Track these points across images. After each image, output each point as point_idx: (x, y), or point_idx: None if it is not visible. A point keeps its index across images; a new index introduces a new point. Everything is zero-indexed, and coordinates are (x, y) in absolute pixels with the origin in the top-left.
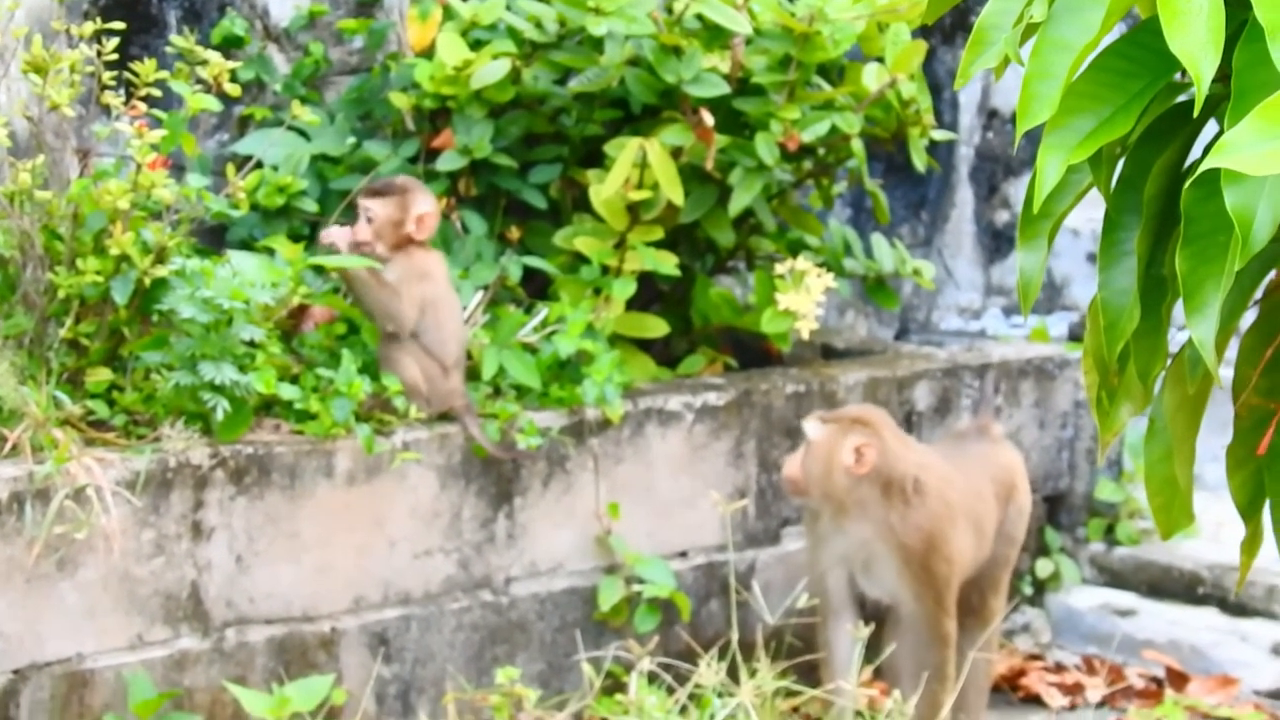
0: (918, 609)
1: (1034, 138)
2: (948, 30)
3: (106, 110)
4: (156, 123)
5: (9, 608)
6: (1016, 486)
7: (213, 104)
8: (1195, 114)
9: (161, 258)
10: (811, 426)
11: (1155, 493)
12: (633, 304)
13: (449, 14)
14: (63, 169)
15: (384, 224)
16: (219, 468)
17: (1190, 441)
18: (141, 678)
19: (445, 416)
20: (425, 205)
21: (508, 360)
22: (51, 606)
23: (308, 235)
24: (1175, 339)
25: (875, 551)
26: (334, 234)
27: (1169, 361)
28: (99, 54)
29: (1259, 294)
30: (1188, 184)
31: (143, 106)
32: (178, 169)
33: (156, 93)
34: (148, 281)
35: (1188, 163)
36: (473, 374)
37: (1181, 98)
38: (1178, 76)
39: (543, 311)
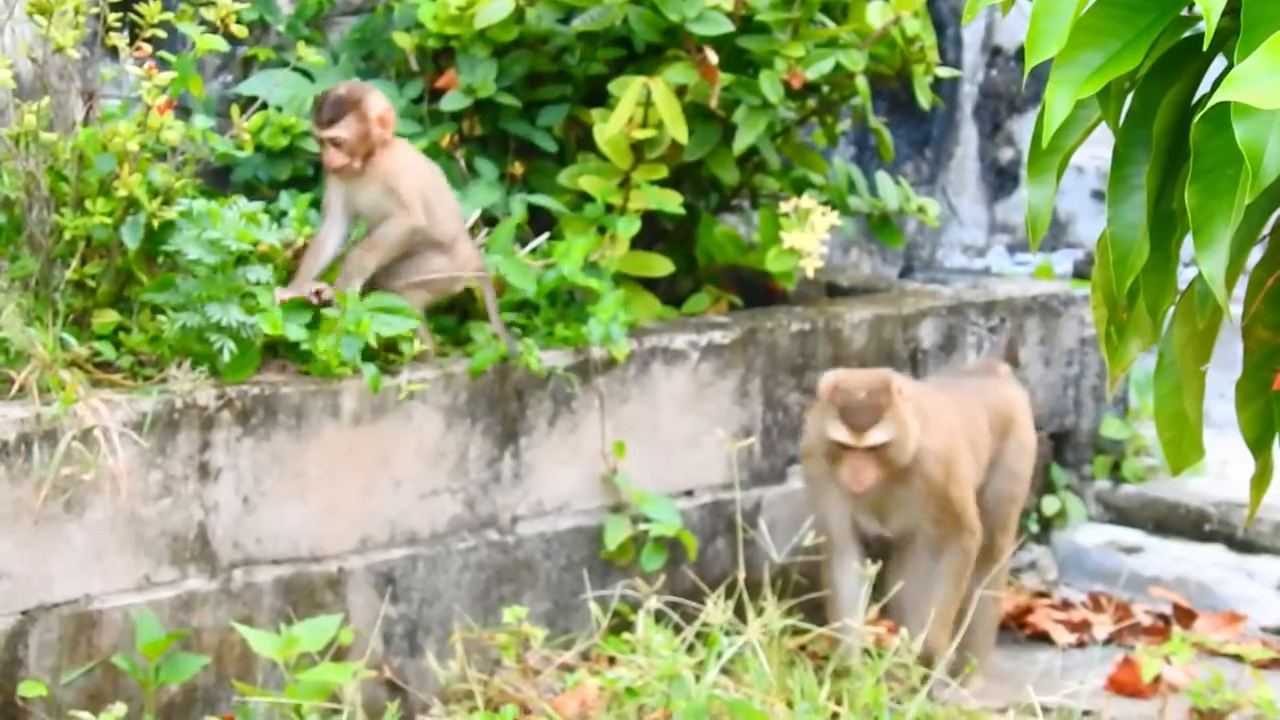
0: (936, 533)
1: (1039, 74)
2: None
3: (111, 52)
4: (162, 64)
5: (16, 549)
6: (1015, 421)
7: (221, 45)
8: (1205, 48)
9: (169, 199)
10: (883, 431)
11: (1165, 428)
12: (637, 242)
13: None
14: (67, 111)
15: (353, 143)
16: (225, 409)
17: (1200, 376)
18: (149, 618)
19: (465, 312)
20: (380, 104)
21: (504, 266)
22: (59, 548)
23: (312, 176)
24: (1184, 274)
25: (889, 487)
26: (283, 295)
27: (1178, 296)
28: None
29: (1268, 228)
30: (1197, 118)
31: (148, 48)
32: (182, 110)
33: (161, 34)
34: (155, 223)
35: (1197, 97)
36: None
37: (1190, 32)
38: (1186, 10)
39: (543, 236)
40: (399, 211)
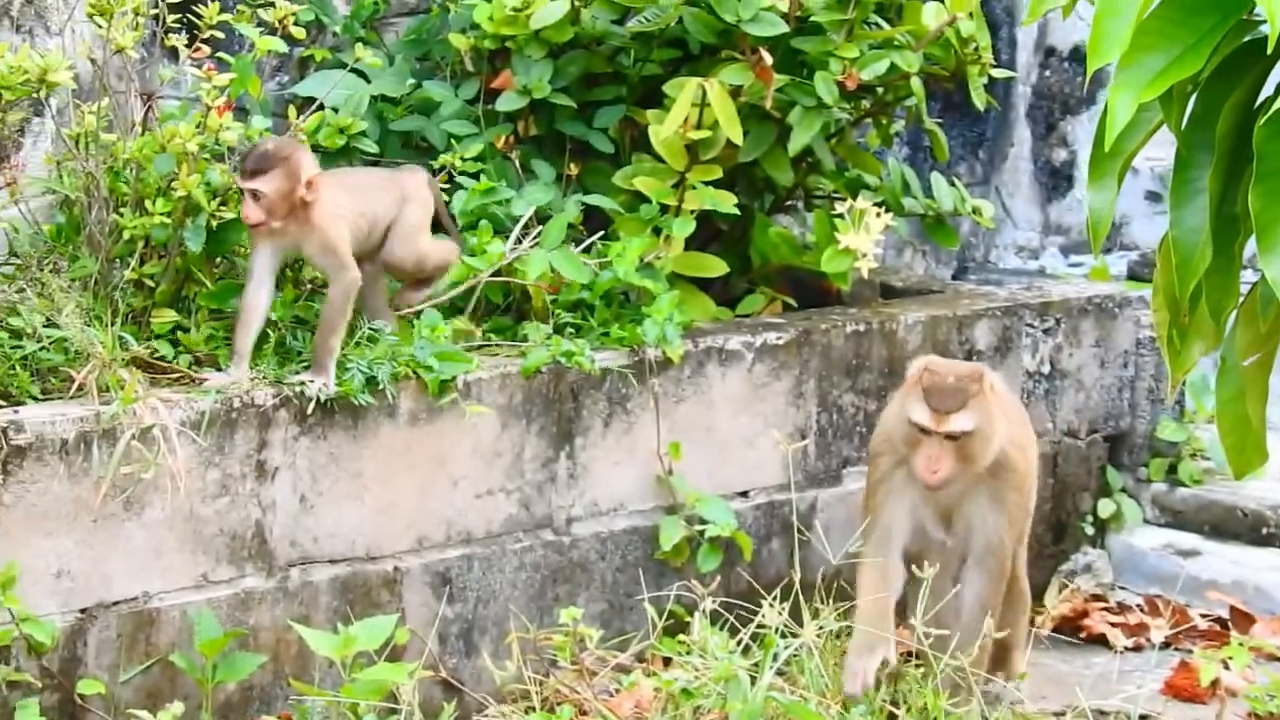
0: (997, 542)
1: (1096, 76)
2: None
3: (170, 53)
4: (221, 65)
5: (76, 547)
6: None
7: (279, 46)
8: (1269, 50)
9: (227, 200)
10: (967, 418)
11: (1228, 432)
12: (691, 243)
13: None
14: (127, 112)
15: (275, 199)
16: (283, 408)
17: (1263, 380)
18: (207, 617)
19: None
20: (310, 167)
21: (556, 260)
22: (118, 546)
23: None
24: (1247, 277)
25: (965, 492)
26: (217, 380)
27: (1241, 300)
28: None
29: None
30: (1260, 121)
31: (206, 49)
32: (240, 111)
33: (219, 35)
34: (214, 224)
35: (1260, 100)
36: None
37: (1252, 35)
38: (1248, 14)
39: (598, 236)
40: (337, 272)
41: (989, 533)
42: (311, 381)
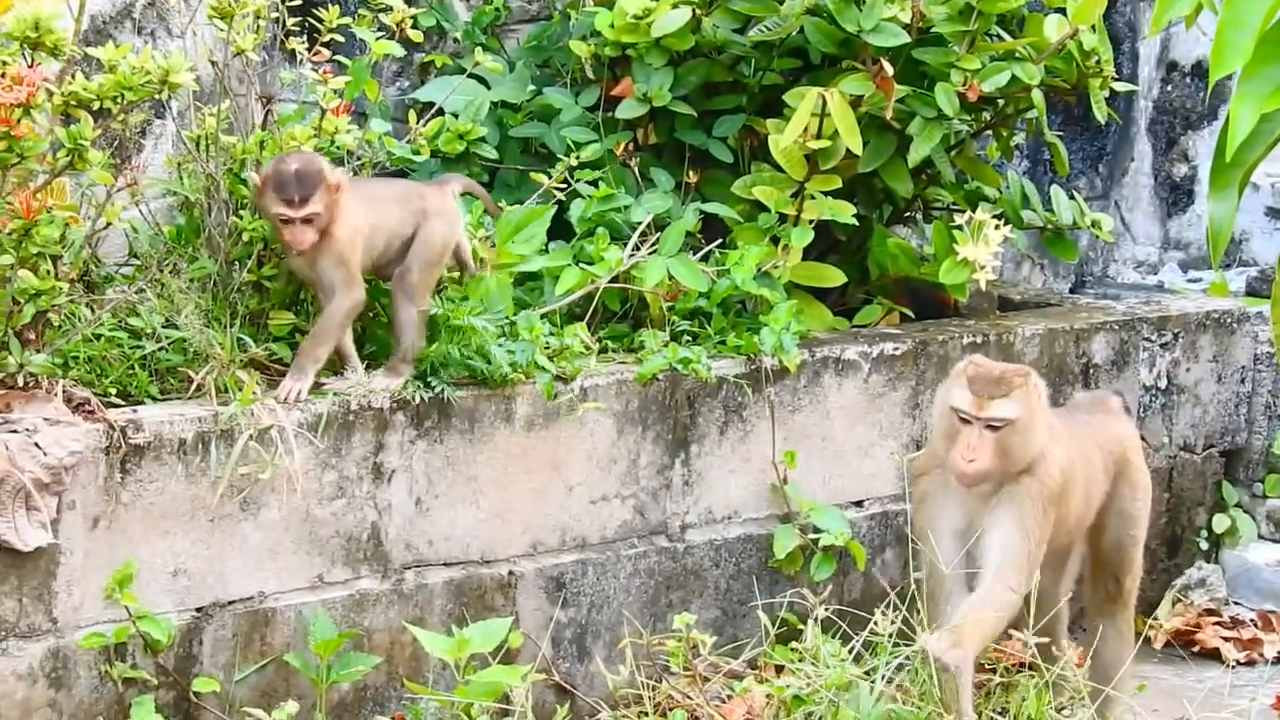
0: (1009, 552)
1: (1218, 90)
2: None
3: (290, 56)
4: (340, 68)
5: (193, 546)
6: (1129, 461)
7: (396, 49)
8: None
9: None
10: (1009, 405)
11: None
12: (809, 253)
13: None
14: (247, 114)
15: (323, 216)
16: (400, 411)
17: None
18: (323, 617)
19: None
20: (335, 171)
21: (674, 267)
22: (234, 546)
23: (486, 181)
24: None
25: (992, 501)
26: (288, 389)
27: None
28: (283, 0)
29: None
30: None
31: (326, 52)
32: (359, 115)
33: (339, 38)
34: None
35: None
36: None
37: None
38: None
39: (714, 244)
40: (343, 287)
41: (1003, 542)
42: (287, 389)
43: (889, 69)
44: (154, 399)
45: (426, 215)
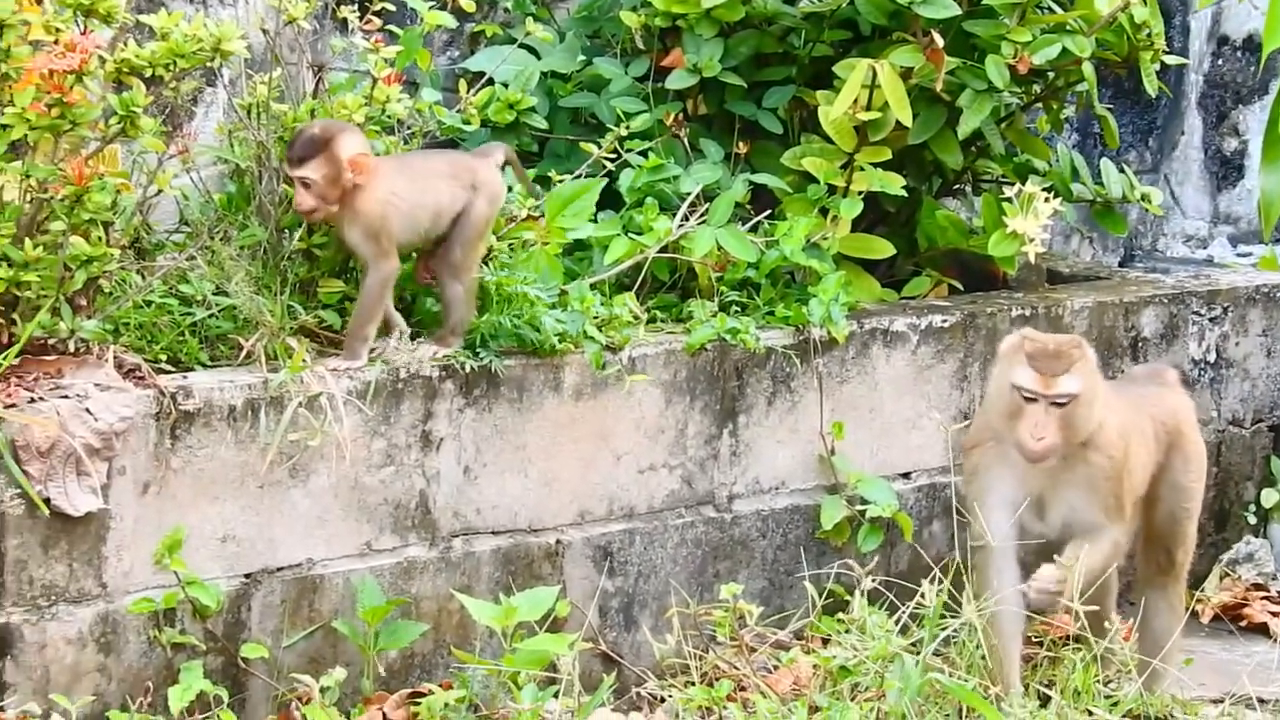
0: (1096, 526)
1: (1270, 64)
2: None
3: (341, 25)
4: (391, 38)
5: (242, 513)
6: (1183, 433)
7: (448, 20)
8: None
9: None
10: (1073, 381)
11: None
12: (858, 224)
13: None
14: (298, 82)
15: (322, 185)
16: (449, 379)
17: None
18: (371, 585)
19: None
20: (353, 147)
21: (723, 238)
22: (283, 513)
23: (536, 151)
24: None
25: (1064, 480)
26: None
27: None
28: None
29: None
30: None
31: (377, 21)
32: (410, 84)
33: (390, 7)
34: None
35: None
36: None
37: None
38: None
39: (764, 215)
40: (373, 261)
41: (1085, 517)
42: (341, 368)
43: (939, 41)
44: (204, 366)
45: (476, 189)
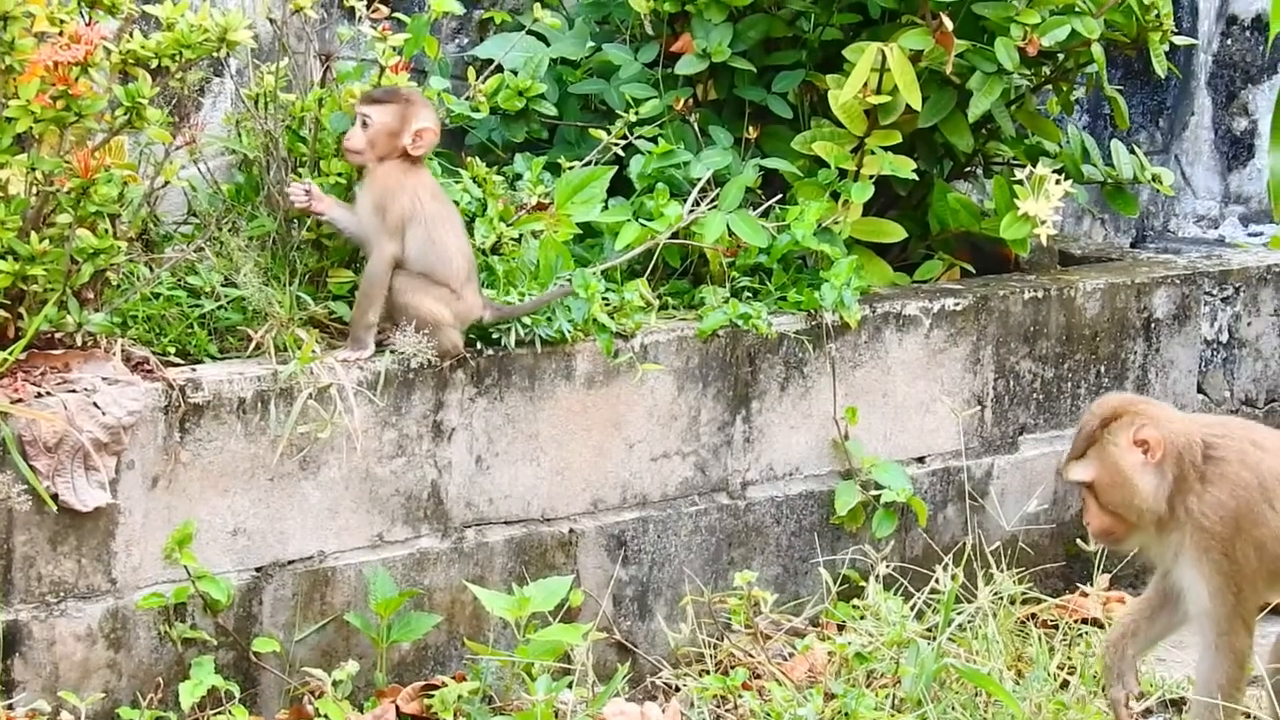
0: (1211, 609)
1: (1277, 44)
2: None
3: (349, 13)
4: (399, 25)
5: (252, 506)
6: None
7: (455, 7)
8: None
9: None
10: (1082, 468)
11: None
12: (870, 208)
13: None
14: (305, 72)
15: (379, 132)
16: (459, 369)
17: None
18: (383, 576)
19: (479, 332)
20: (426, 120)
21: (734, 223)
22: (294, 505)
23: (546, 138)
24: None
25: (1176, 544)
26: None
27: None
28: None
29: None
30: None
31: (385, 9)
32: (418, 72)
33: None
34: None
35: None
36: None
37: None
38: None
39: (774, 199)
40: (378, 238)
41: (1195, 600)
42: (350, 359)
43: (949, 23)
44: (213, 358)
45: None
